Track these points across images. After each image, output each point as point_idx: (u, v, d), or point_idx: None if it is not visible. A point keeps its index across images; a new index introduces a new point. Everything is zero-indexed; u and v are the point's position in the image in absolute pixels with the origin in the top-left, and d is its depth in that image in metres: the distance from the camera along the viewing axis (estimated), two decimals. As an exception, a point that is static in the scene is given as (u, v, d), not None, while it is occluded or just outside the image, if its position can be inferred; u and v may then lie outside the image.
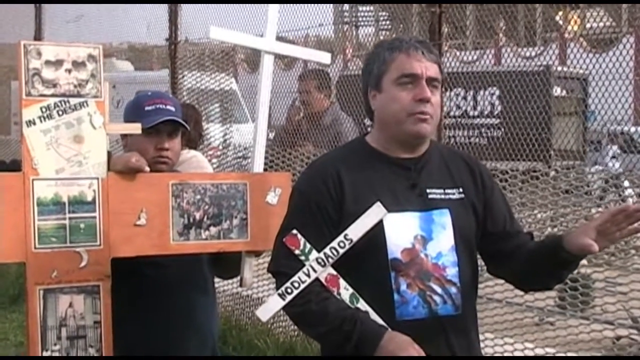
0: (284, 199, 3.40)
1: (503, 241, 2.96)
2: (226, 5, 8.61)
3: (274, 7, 3.82)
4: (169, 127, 3.51)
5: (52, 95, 3.18)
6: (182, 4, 8.66)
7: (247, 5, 8.14)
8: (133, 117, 3.49)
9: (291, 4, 7.61)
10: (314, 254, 2.78)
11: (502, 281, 5.78)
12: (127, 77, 16.43)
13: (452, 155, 3.03)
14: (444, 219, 2.82)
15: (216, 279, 3.87)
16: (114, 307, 3.24)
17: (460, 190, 2.91)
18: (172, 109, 3.55)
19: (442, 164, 2.94)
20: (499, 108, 9.62)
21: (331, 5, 11.25)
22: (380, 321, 2.72)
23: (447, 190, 2.88)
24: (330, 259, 2.77)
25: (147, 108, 3.52)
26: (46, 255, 3.15)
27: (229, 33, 3.85)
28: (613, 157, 8.10)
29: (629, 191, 5.80)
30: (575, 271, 5.75)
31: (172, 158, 3.55)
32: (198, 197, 3.40)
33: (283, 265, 2.82)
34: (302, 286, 2.76)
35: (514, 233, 2.99)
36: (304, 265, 2.77)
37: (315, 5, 7.85)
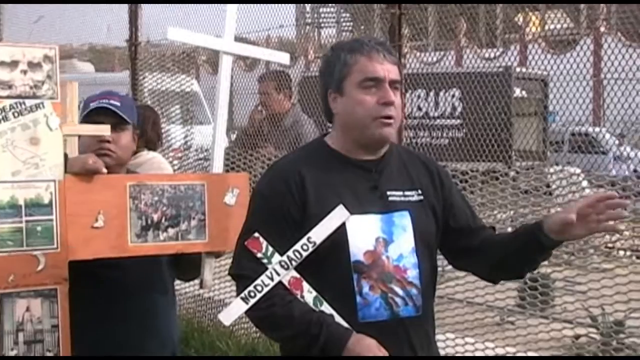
0: (242, 200, 3.39)
1: (468, 237, 2.98)
2: (188, 6, 8.57)
3: (232, 8, 3.80)
4: (110, 120, 3.45)
5: (8, 97, 3.13)
6: (142, 5, 8.59)
7: (209, 5, 8.10)
8: (81, 118, 3.46)
9: (253, 4, 7.58)
10: (277, 257, 2.76)
11: (463, 281, 5.83)
12: (88, 78, 16.31)
13: (411, 156, 3.04)
14: (404, 221, 2.82)
15: (177, 281, 3.84)
16: (72, 311, 3.19)
17: (419, 192, 2.91)
18: (117, 103, 3.51)
19: (401, 166, 2.94)
20: (460, 109, 9.65)
21: (293, 6, 11.22)
22: (345, 324, 2.72)
23: (407, 193, 2.88)
24: (293, 262, 2.75)
25: (91, 105, 3.50)
26: (3, 259, 3.10)
27: (187, 34, 3.82)
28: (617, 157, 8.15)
29: (587, 191, 5.84)
30: (535, 271, 5.80)
31: (116, 151, 3.51)
32: (156, 198, 3.37)
33: (245, 269, 2.79)
34: (265, 289, 2.74)
35: (477, 228, 3.01)
36: (266, 269, 2.75)
37: (277, 5, 7.83)
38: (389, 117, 2.78)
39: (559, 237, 2.75)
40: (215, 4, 7.49)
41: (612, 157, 8.65)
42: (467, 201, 3.12)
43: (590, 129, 9.22)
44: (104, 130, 3.34)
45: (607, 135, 9.64)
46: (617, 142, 8.72)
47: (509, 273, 3.15)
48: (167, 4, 8.90)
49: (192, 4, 8.39)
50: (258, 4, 7.56)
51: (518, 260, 2.90)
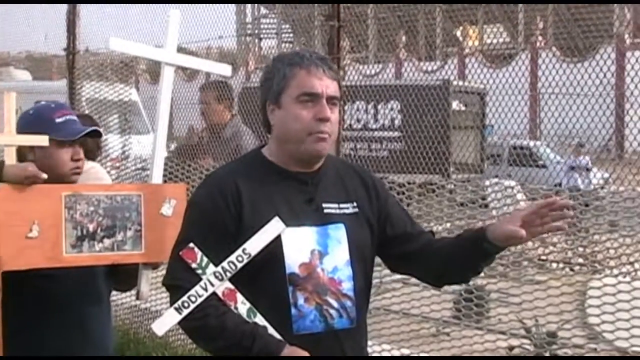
0: (179, 210, 3.37)
1: (408, 242, 2.98)
2: (127, 13, 8.52)
3: (174, 18, 3.78)
4: (80, 138, 3.45)
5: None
6: (80, 13, 8.51)
7: (148, 15, 8.06)
8: (41, 130, 3.39)
9: (193, 15, 7.56)
10: (212, 268, 2.75)
11: (399, 293, 5.87)
12: (25, 86, 16.12)
13: (346, 168, 3.04)
14: (339, 234, 2.83)
15: (113, 292, 3.81)
16: (5, 320, 3.15)
17: (355, 204, 2.92)
18: (77, 119, 3.52)
19: (337, 178, 2.95)
20: (399, 121, 9.72)
21: (233, 16, 11.22)
22: (278, 336, 2.71)
23: (342, 205, 2.89)
24: (228, 273, 2.74)
25: (57, 120, 3.44)
26: None
27: (129, 44, 3.80)
28: (587, 169, 8.20)
29: (522, 204, 5.92)
30: (471, 282, 5.87)
31: (82, 168, 3.51)
32: (92, 208, 3.35)
33: (179, 279, 2.77)
34: (199, 300, 2.73)
35: (417, 233, 3.02)
36: (201, 279, 2.74)
37: (217, 16, 7.82)
38: (323, 133, 2.79)
39: (503, 245, 2.77)
40: (154, 13, 7.47)
41: (569, 166, 8.72)
42: (405, 209, 3.13)
43: (531, 143, 9.36)
44: (43, 141, 3.30)
45: (548, 150, 9.79)
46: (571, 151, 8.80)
47: (453, 278, 3.15)
48: (106, 12, 8.83)
49: (131, 13, 8.35)
50: (198, 15, 7.55)
51: (462, 266, 2.91)
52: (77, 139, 3.42)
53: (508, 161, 7.99)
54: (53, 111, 3.47)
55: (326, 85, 2.80)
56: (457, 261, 2.89)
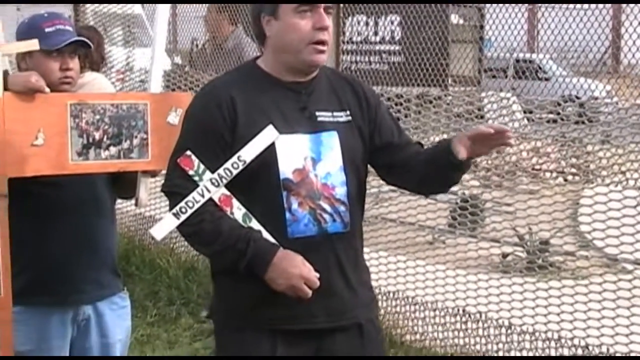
0: (185, 119, 3.36)
1: (395, 153, 3.01)
2: None
3: None
4: (70, 48, 3.43)
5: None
6: None
7: None
8: (30, 38, 3.38)
9: None
10: (208, 175, 2.79)
11: (396, 202, 5.92)
12: (31, -1, 15.91)
13: (338, 79, 3.06)
14: (332, 141, 2.86)
15: (118, 201, 3.84)
16: (13, 226, 3.20)
17: (347, 113, 2.94)
18: (71, 29, 3.48)
19: (330, 88, 2.97)
20: (399, 34, 9.65)
21: None
22: (273, 240, 2.77)
23: (335, 113, 2.92)
24: (223, 180, 2.78)
25: (47, 29, 3.41)
26: (-60, 175, 3.08)
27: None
28: None
29: (517, 115, 5.94)
30: (467, 192, 5.92)
31: (75, 78, 3.49)
32: (97, 117, 3.35)
33: (177, 186, 2.82)
34: (196, 206, 2.78)
35: (404, 144, 3.04)
36: (197, 186, 2.78)
37: None
38: (323, 43, 2.81)
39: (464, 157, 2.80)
40: None
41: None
42: (394, 119, 3.15)
43: (534, 56, 9.29)
44: (31, 45, 3.28)
45: (551, 62, 9.73)
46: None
47: (433, 188, 3.26)
48: None
49: None
50: None
51: (437, 178, 2.95)
52: (61, 48, 3.37)
53: (512, 75, 7.97)
54: (44, 20, 3.43)
55: None
56: (433, 173, 2.92)
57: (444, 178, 2.96)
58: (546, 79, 8.14)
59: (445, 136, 6.00)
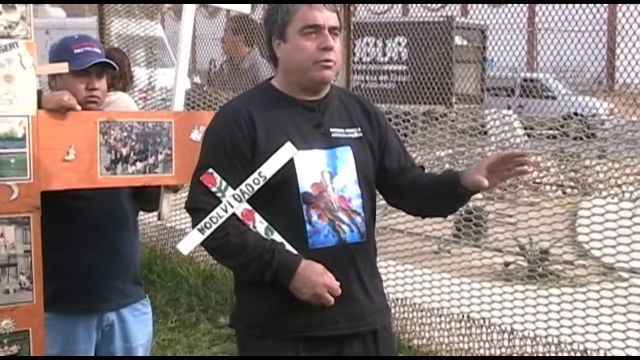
0: (207, 137, 3.38)
1: (400, 175, 3.03)
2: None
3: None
4: (97, 68, 3.46)
5: (-17, 37, 3.10)
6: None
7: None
8: (60, 59, 3.41)
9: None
10: (230, 191, 2.78)
11: (403, 214, 5.91)
12: (59, 23, 16.06)
13: (349, 97, 3.08)
14: (346, 155, 2.87)
15: (141, 213, 3.85)
16: (45, 237, 3.22)
17: (359, 129, 2.96)
18: (99, 51, 3.50)
19: (341, 106, 2.98)
20: (406, 55, 9.68)
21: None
22: (294, 251, 2.77)
23: (347, 130, 2.93)
24: (245, 195, 2.78)
25: (76, 51, 3.45)
26: (-23, 189, 3.09)
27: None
28: None
29: (518, 131, 5.95)
30: (470, 204, 5.92)
31: (101, 97, 3.51)
32: (125, 134, 3.37)
33: (201, 202, 2.82)
34: (220, 221, 2.78)
35: (409, 167, 3.07)
36: (220, 202, 2.78)
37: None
38: (328, 61, 2.82)
39: (473, 189, 2.84)
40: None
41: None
42: (400, 140, 3.17)
43: (540, 75, 9.31)
44: (62, 68, 3.30)
45: (556, 82, 9.74)
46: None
47: (433, 213, 3.37)
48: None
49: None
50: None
51: (439, 205, 3.01)
52: (87, 68, 3.39)
53: (520, 93, 7.98)
54: (73, 42, 3.46)
55: (327, 17, 2.82)
56: (435, 201, 2.99)
57: (446, 206, 3.03)
58: (553, 98, 8.14)
59: (450, 152, 6.02)
